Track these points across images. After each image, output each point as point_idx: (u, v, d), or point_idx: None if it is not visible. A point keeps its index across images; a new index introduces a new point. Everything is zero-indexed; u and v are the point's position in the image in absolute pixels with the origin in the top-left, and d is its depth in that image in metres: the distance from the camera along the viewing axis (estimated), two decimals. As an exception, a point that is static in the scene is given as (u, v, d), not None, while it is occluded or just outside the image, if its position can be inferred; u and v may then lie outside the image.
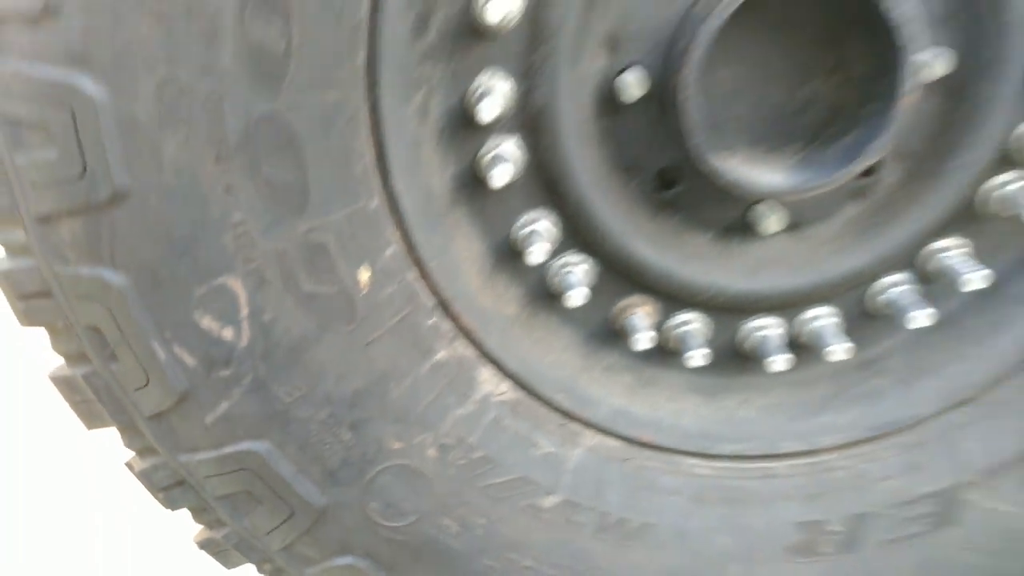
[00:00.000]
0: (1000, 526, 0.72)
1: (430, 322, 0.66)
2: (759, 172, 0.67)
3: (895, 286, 0.74)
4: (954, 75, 0.68)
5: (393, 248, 0.64)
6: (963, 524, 0.72)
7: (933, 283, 0.74)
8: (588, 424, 0.72)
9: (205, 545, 0.75)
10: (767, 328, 0.75)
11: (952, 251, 0.73)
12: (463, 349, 0.68)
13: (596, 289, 0.73)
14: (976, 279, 0.70)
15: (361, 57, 0.59)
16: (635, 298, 0.75)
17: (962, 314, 0.75)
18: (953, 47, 0.67)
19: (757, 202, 0.72)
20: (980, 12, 0.66)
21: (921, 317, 0.71)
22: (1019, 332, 0.73)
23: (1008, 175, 0.71)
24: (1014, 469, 0.72)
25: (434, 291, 0.67)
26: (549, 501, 0.70)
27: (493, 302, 0.71)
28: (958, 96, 0.69)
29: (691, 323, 0.75)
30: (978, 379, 0.73)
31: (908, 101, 0.64)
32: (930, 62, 0.66)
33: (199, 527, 0.75)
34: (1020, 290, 0.73)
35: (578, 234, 0.72)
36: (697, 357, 0.72)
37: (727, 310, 0.75)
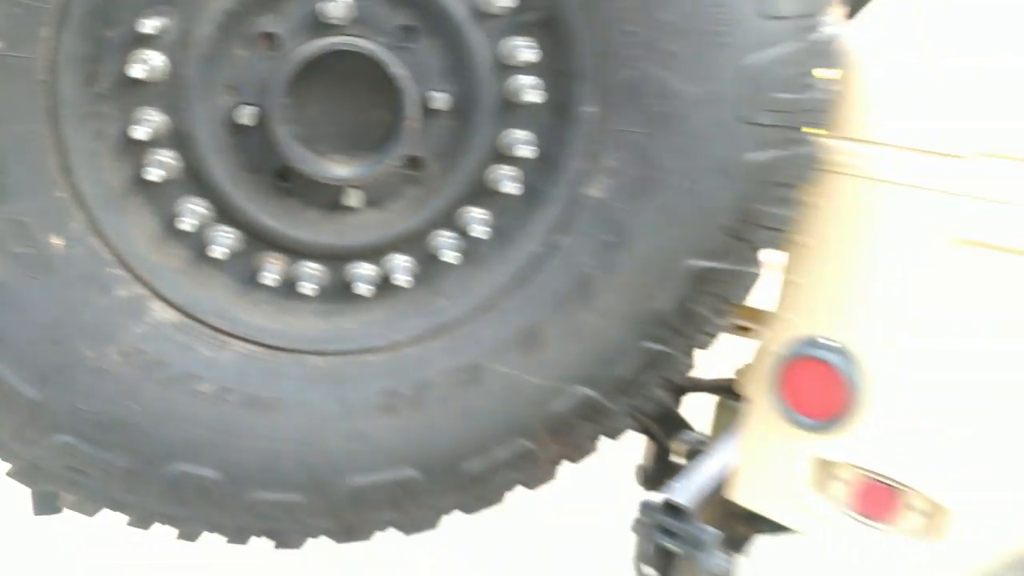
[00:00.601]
0: (505, 384, 1.15)
1: (110, 271, 1.01)
2: (333, 169, 1.07)
3: (444, 238, 1.16)
4: (456, 106, 1.10)
5: (79, 223, 0.98)
6: (483, 383, 1.15)
7: (467, 236, 1.17)
8: (236, 337, 1.09)
9: None
10: (363, 269, 1.15)
11: (474, 215, 1.15)
12: (138, 289, 1.04)
13: (241, 249, 1.10)
14: (479, 231, 1.13)
15: (44, 102, 0.93)
16: (270, 254, 1.13)
17: (487, 253, 1.17)
18: (450, 91, 1.09)
19: (345, 187, 1.12)
20: (465, 68, 1.08)
21: (451, 256, 1.14)
22: (517, 264, 1.16)
23: (498, 166, 1.14)
24: (513, 348, 1.15)
25: (113, 252, 1.01)
26: (207, 387, 1.07)
27: (162, 258, 1.07)
28: (463, 117, 1.11)
29: (310, 269, 1.13)
30: (495, 294, 1.16)
31: (411, 124, 1.05)
32: (428, 99, 1.07)
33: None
34: (517, 238, 1.16)
35: (224, 213, 1.09)
36: (308, 290, 1.11)
37: (335, 258, 1.14)
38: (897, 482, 1.25)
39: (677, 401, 2.07)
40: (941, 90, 1.10)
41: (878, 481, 1.27)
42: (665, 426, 1.91)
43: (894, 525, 1.28)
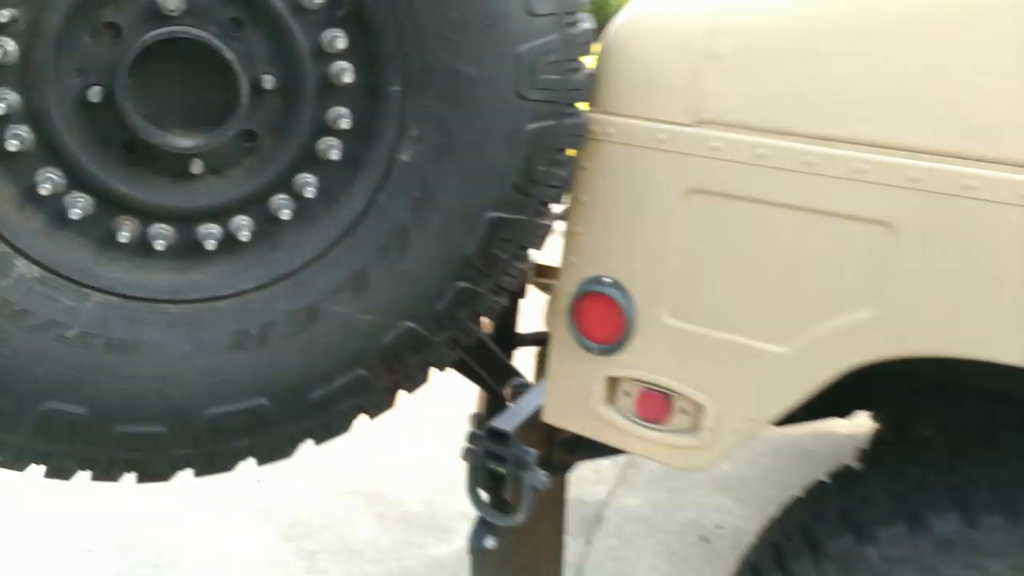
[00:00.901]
0: (340, 321, 1.36)
1: (-25, 233, 1.15)
2: (176, 141, 1.24)
3: (280, 200, 1.36)
4: (283, 87, 1.30)
5: (-57, 193, 1.11)
6: (321, 322, 1.35)
7: (300, 198, 1.37)
8: (95, 289, 1.24)
9: None
10: (209, 229, 1.32)
11: (305, 179, 1.36)
12: (2, 248, 1.17)
13: (96, 212, 1.26)
14: (310, 193, 1.34)
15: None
16: (123, 216, 1.28)
17: (318, 212, 1.37)
18: (277, 74, 1.29)
19: (189, 157, 1.29)
20: (289, 54, 1.28)
21: (287, 215, 1.34)
22: (344, 219, 1.37)
23: (324, 137, 1.35)
24: (345, 290, 1.36)
25: (-23, 218, 1.15)
26: (71, 332, 1.22)
27: (24, 220, 1.20)
28: (290, 96, 1.31)
29: (161, 229, 1.30)
30: (327, 245, 1.36)
31: (244, 102, 1.24)
32: (259, 81, 1.27)
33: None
34: (343, 198, 1.37)
35: (78, 180, 1.23)
36: (160, 246, 1.28)
37: (183, 219, 1.31)
38: (668, 389, 1.56)
39: (508, 354, 2.36)
40: (667, 72, 1.41)
41: (653, 390, 1.58)
42: (497, 376, 2.17)
43: (669, 424, 1.59)
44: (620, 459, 3.81)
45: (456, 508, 3.33)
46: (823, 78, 1.32)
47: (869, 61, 1.29)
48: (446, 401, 3.57)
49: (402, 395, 1.53)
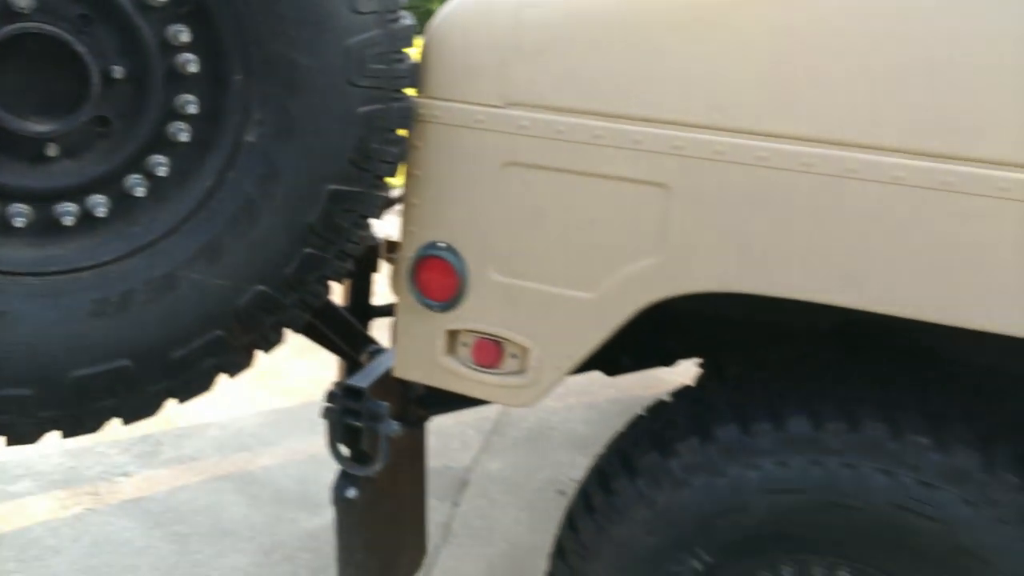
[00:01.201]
0: (196, 287, 1.51)
1: None
2: (31, 127, 1.36)
3: (134, 179, 1.49)
4: (133, 77, 1.44)
5: None
6: (178, 288, 1.50)
7: (153, 177, 1.51)
8: (-24, 267, 1.35)
9: None
10: (67, 207, 1.43)
11: (158, 160, 1.50)
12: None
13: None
14: (162, 172, 1.48)
15: None
16: (-16, 202, 1.39)
17: (171, 189, 1.51)
18: (127, 66, 1.42)
19: (44, 141, 1.41)
20: (137, 47, 1.42)
21: (141, 192, 1.48)
22: (196, 195, 1.51)
23: (174, 122, 1.50)
24: (199, 259, 1.51)
25: None
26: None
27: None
28: (140, 86, 1.45)
29: (19, 208, 1.40)
30: (180, 219, 1.50)
31: (95, 91, 1.38)
32: (109, 72, 1.40)
33: None
34: (194, 176, 1.51)
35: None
36: (19, 224, 1.39)
37: (42, 199, 1.41)
38: (499, 337, 1.81)
39: (365, 325, 2.55)
40: (481, 61, 1.65)
41: (487, 339, 1.82)
42: (354, 344, 2.36)
43: (501, 368, 1.84)
44: (484, 427, 4.07)
45: (328, 484, 3.47)
46: (605, 65, 1.60)
47: (640, 51, 1.58)
48: (316, 392, 3.71)
49: (259, 355, 1.69)
